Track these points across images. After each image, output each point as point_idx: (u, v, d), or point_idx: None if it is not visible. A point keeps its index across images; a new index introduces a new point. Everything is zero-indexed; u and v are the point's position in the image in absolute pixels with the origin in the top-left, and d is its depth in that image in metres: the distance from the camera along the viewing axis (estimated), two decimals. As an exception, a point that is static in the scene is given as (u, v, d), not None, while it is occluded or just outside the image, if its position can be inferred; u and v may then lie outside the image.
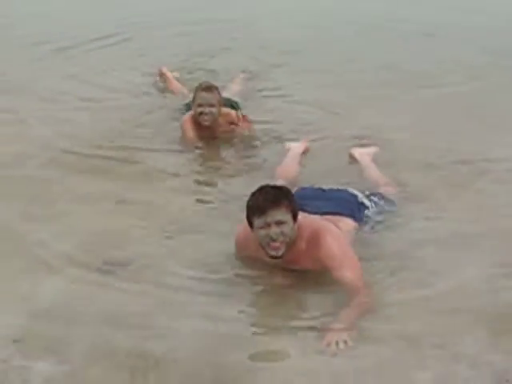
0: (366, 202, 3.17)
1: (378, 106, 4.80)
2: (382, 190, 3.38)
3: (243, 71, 5.42)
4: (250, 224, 2.57)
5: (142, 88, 5.21)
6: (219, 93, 3.94)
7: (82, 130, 4.30)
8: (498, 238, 3.07)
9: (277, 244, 2.49)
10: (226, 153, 4.05)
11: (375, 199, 3.22)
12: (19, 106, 4.76)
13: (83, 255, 2.91)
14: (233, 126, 3.94)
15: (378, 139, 4.08)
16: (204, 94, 3.81)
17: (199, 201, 3.50)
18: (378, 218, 3.14)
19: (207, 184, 3.75)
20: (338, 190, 3.24)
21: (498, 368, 2.19)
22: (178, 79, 5.18)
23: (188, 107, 4.21)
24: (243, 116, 3.96)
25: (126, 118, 4.47)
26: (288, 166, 3.71)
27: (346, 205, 3.06)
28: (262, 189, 2.60)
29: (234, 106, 4.22)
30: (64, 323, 2.42)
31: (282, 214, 2.49)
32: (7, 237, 3.04)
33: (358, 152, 3.87)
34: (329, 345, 2.25)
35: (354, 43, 6.86)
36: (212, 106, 3.80)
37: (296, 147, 3.93)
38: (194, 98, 3.90)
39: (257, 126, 4.11)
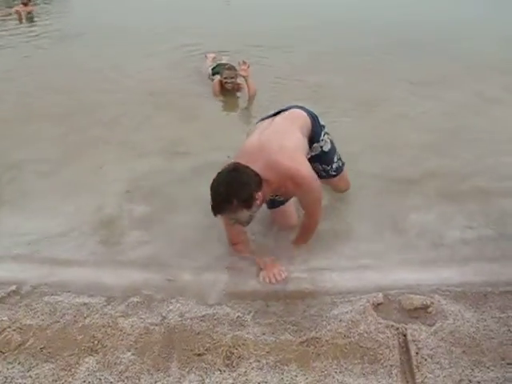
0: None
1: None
2: None
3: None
4: None
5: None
6: (235, 69, 5.92)
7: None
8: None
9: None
10: (234, 99, 6.00)
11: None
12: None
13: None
14: (239, 85, 6.04)
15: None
16: (228, 72, 5.89)
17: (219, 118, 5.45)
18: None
19: (226, 112, 5.77)
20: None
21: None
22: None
23: (213, 71, 6.35)
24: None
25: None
26: None
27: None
28: (216, 183, 2.53)
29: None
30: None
31: (232, 214, 2.58)
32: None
33: None
34: (264, 280, 2.75)
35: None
36: (232, 78, 5.90)
37: None
38: (221, 72, 5.96)
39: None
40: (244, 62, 5.88)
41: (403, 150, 4.33)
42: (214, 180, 2.55)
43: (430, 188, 3.72)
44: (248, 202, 2.55)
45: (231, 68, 5.96)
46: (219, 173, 2.56)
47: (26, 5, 11.57)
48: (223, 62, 6.68)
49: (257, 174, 2.59)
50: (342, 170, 3.35)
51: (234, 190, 2.50)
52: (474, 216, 3.36)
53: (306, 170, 2.69)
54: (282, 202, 3.19)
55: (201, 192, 3.53)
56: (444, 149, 4.36)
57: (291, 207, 3.22)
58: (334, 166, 3.27)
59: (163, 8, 11.67)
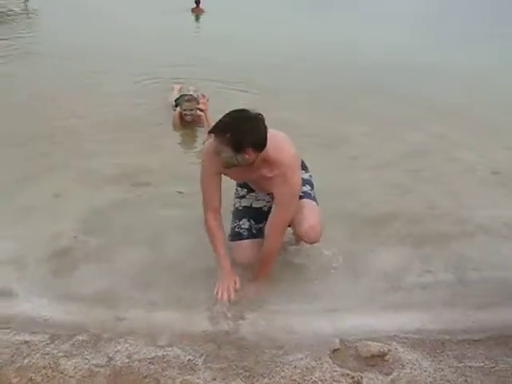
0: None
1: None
2: None
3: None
4: None
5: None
6: (197, 101, 5.89)
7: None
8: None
9: None
10: (194, 131, 5.92)
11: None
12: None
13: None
14: (200, 117, 5.89)
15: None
16: (187, 104, 5.87)
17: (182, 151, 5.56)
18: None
19: (186, 144, 5.74)
20: None
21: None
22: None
23: (176, 102, 6.28)
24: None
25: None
26: None
27: None
28: (235, 113, 2.68)
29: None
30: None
31: (220, 143, 2.64)
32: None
33: None
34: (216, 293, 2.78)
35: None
36: (192, 110, 5.86)
37: None
38: (181, 104, 5.95)
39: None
40: (203, 96, 5.87)
41: (363, 192, 4.32)
42: (238, 109, 2.69)
43: (389, 231, 3.70)
44: (237, 147, 2.62)
45: (191, 100, 5.90)
46: (244, 109, 2.68)
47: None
48: (187, 93, 6.60)
49: (266, 139, 2.67)
50: (308, 197, 3.13)
51: (237, 128, 2.61)
52: (432, 260, 3.35)
53: (300, 175, 2.89)
54: (246, 237, 3.14)
55: (159, 225, 3.45)
56: (405, 190, 4.39)
57: (253, 244, 3.15)
58: (303, 189, 3.12)
59: (133, 33, 11.63)
